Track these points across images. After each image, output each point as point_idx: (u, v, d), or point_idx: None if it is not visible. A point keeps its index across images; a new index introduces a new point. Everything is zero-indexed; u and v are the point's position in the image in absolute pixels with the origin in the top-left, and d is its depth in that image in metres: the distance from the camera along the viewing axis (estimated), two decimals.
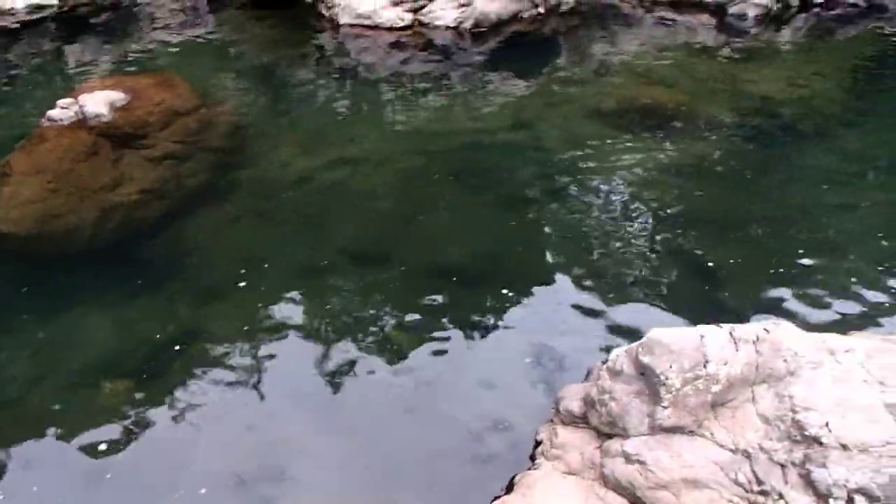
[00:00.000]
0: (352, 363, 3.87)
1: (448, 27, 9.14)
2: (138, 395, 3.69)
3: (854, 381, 2.97)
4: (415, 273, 4.60)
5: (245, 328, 4.09)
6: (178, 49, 8.65)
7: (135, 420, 3.56)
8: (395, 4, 9.11)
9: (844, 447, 2.70)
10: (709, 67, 8.59)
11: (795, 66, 8.94)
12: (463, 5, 9.21)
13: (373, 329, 4.09)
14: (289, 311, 4.25)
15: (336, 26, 9.14)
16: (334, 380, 3.77)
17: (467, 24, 9.17)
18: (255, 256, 4.72)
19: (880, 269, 4.76)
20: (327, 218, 5.21)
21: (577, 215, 5.30)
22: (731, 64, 8.81)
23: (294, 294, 4.37)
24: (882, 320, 4.20)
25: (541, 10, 9.77)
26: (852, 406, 2.84)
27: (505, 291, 4.41)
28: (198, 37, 9.08)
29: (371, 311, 4.25)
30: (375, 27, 9.02)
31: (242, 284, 4.43)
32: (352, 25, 9.07)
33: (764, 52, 9.35)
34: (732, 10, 10.17)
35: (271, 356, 3.92)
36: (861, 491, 2.50)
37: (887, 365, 3.06)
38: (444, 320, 4.15)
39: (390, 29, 9.02)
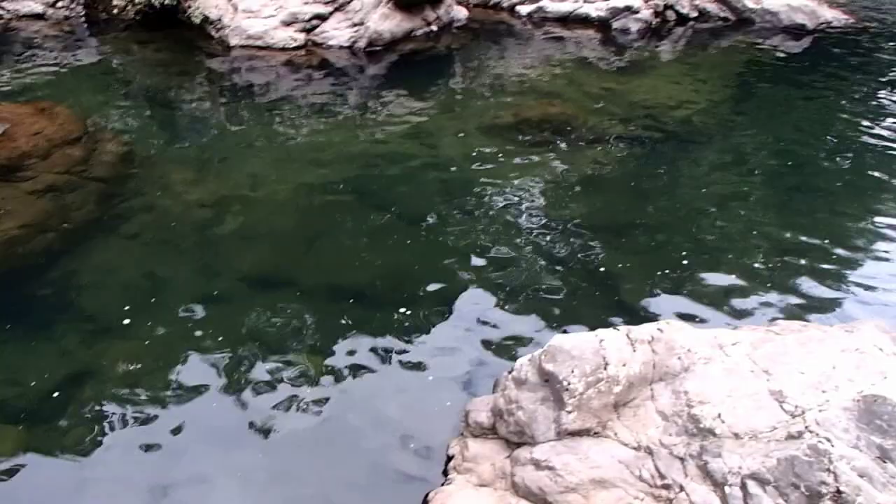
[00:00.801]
0: (256, 391, 3.76)
1: (342, 46, 9.12)
2: (24, 443, 3.46)
3: (742, 372, 3.14)
4: (318, 296, 4.53)
5: (140, 365, 3.91)
6: (58, 75, 8.24)
7: (19, 470, 3.32)
8: (287, 25, 9.02)
9: (737, 436, 2.84)
10: (597, 80, 8.95)
11: (676, 76, 9.45)
12: (356, 25, 9.22)
13: (277, 355, 3.99)
14: (187, 343, 4.09)
15: (227, 48, 8.95)
16: (239, 410, 3.65)
17: (361, 44, 9.18)
18: (148, 289, 4.52)
19: (761, 264, 5.07)
20: (224, 245, 5.07)
21: (477, 229, 5.38)
22: (617, 76, 9.21)
23: (192, 325, 4.21)
24: (764, 312, 4.45)
25: (434, 27, 9.91)
26: (741, 396, 3.00)
27: (410, 309, 4.41)
28: (79, 62, 8.68)
29: (274, 338, 4.15)
30: (268, 48, 8.89)
31: (135, 319, 4.23)
32: (243, 47, 8.91)
33: (647, 63, 9.84)
34: (616, 24, 10.65)
35: (171, 391, 3.76)
36: (753, 476, 2.63)
37: (770, 354, 3.26)
38: (350, 342, 4.10)
39: (283, 49, 8.91)
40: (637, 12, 10.70)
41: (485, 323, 4.31)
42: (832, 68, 9.73)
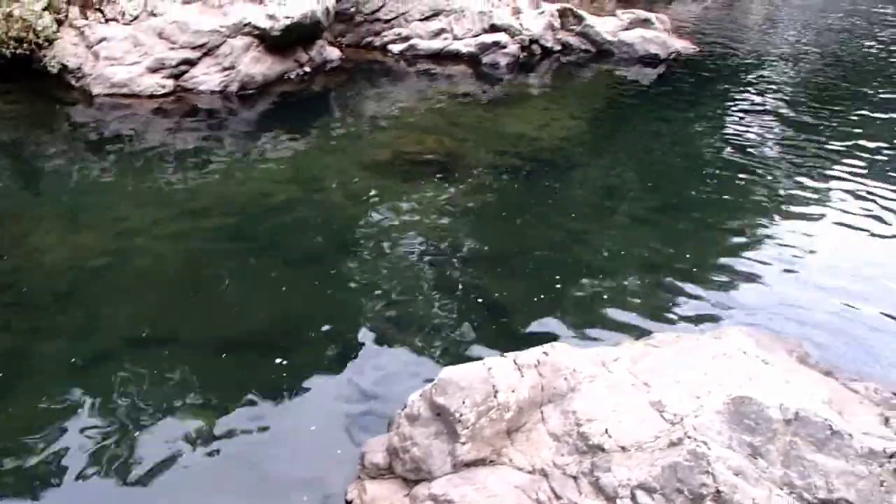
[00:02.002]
0: (139, 454, 3.55)
1: (214, 91, 8.94)
2: None
3: (624, 387, 3.28)
4: (203, 349, 4.36)
5: (9, 444, 3.61)
6: None
7: None
8: (154, 71, 8.75)
9: (623, 449, 2.95)
10: (471, 113, 9.21)
11: (545, 106, 9.89)
12: (227, 69, 9.07)
13: (160, 414, 3.79)
14: (62, 413, 3.81)
15: (90, 98, 8.56)
16: (123, 473, 3.44)
17: (233, 88, 9.03)
18: (15, 357, 4.20)
19: (636, 281, 5.34)
20: (101, 303, 4.79)
21: (363, 267, 5.37)
22: (490, 108, 9.52)
23: (68, 393, 3.94)
24: (642, 326, 4.68)
25: (307, 68, 9.90)
26: (626, 410, 3.13)
27: (300, 356, 4.32)
28: None
29: (157, 396, 3.94)
30: (134, 96, 8.57)
31: (4, 392, 3.92)
32: (107, 95, 8.55)
33: (517, 95, 10.23)
34: (486, 59, 11.03)
35: (54, 465, 3.49)
36: (641, 486, 2.74)
37: (649, 367, 3.42)
38: (238, 395, 3.96)
39: (151, 97, 8.63)
40: (505, 47, 11.13)
41: (377, 361, 4.29)
42: (684, 93, 10.48)
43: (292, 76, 9.73)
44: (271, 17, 9.19)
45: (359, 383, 4.09)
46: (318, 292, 5.01)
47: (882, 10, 18.13)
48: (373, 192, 6.54)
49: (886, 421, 3.24)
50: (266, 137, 7.91)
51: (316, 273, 5.25)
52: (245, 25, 9.13)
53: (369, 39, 11.54)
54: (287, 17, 9.21)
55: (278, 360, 4.21)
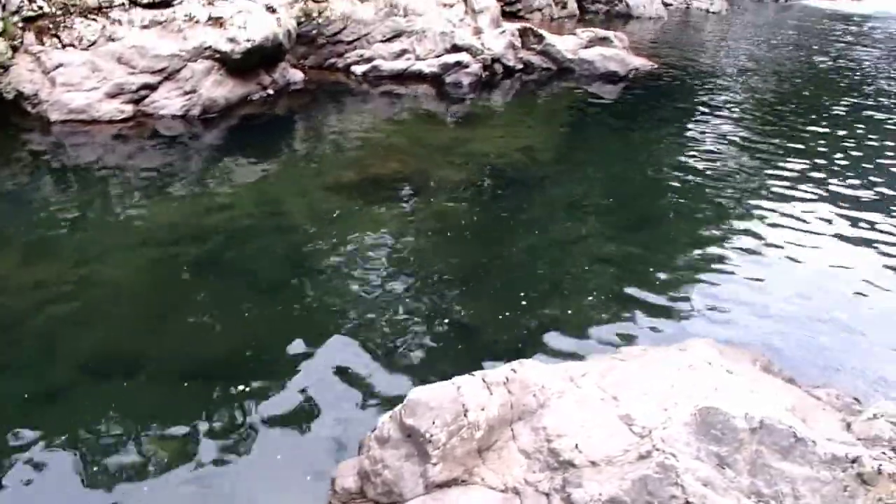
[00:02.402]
0: (108, 487, 3.47)
1: (175, 116, 8.85)
2: None
3: (593, 402, 3.30)
4: (169, 378, 4.28)
5: None
6: None
7: None
8: (113, 97, 8.64)
9: (594, 463, 2.96)
10: (436, 133, 9.26)
11: (510, 124, 9.98)
12: (188, 93, 9.00)
13: (125, 445, 3.71)
14: (22, 451, 3.71)
15: (47, 124, 8.41)
16: None
17: (195, 111, 8.96)
18: None
19: (603, 296, 5.39)
20: (61, 334, 4.68)
21: (330, 289, 5.34)
22: (454, 128, 9.59)
23: (27, 429, 3.83)
24: (610, 340, 4.72)
25: (270, 91, 9.87)
26: (595, 424, 3.15)
27: (268, 381, 4.27)
28: None
29: (123, 428, 3.86)
30: (93, 122, 8.45)
31: None
32: (65, 122, 8.41)
33: (481, 114, 10.32)
34: (449, 79, 11.12)
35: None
36: (612, 500, 2.76)
37: (617, 381, 3.45)
38: (205, 424, 3.90)
39: (111, 122, 8.51)
40: (467, 67, 11.24)
41: (345, 384, 4.25)
42: (644, 108, 10.68)
43: (255, 99, 9.70)
44: (232, 40, 9.16)
45: (327, 408, 4.05)
46: (284, 317, 4.96)
47: (827, 26, 18.71)
48: (338, 214, 6.52)
49: (848, 426, 3.31)
50: (229, 161, 7.85)
51: (281, 297, 5.20)
52: (206, 49, 9.09)
53: (332, 61, 11.56)
54: (248, 41, 9.19)
55: (243, 387, 4.16)
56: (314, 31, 11.42)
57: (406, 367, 4.42)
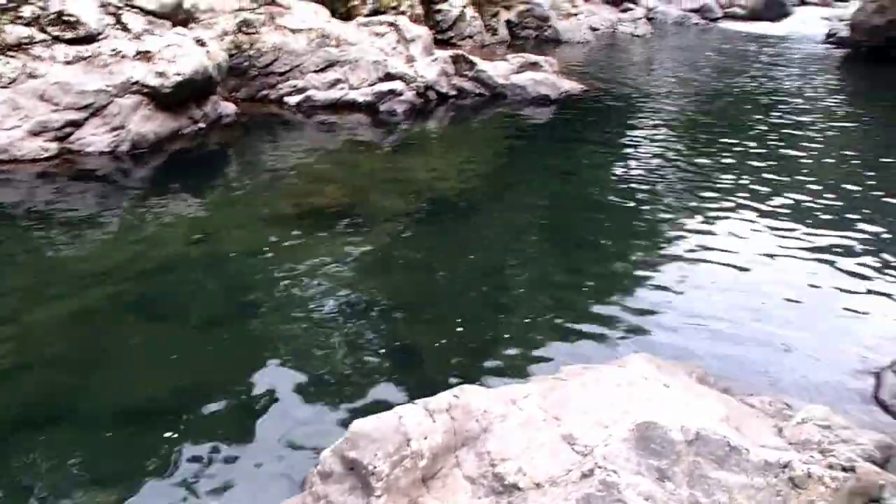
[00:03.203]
0: None
1: (103, 152, 8.63)
2: None
3: (536, 423, 3.33)
4: (100, 424, 4.12)
5: None
6: None
7: None
8: (36, 135, 8.38)
9: (538, 485, 2.98)
10: (372, 162, 9.28)
11: (446, 150, 10.08)
12: (116, 129, 8.80)
13: (52, 499, 3.55)
14: None
15: None
16: None
17: (124, 147, 8.76)
18: None
19: (544, 316, 5.45)
20: None
21: (271, 324, 5.25)
22: (390, 155, 9.62)
23: None
24: (551, 361, 4.77)
25: (202, 124, 9.73)
26: (538, 446, 3.17)
27: (207, 423, 4.16)
28: None
29: (52, 481, 3.69)
30: (14, 161, 8.17)
31: None
32: None
33: (417, 141, 10.40)
34: (383, 107, 11.17)
35: None
36: None
37: (558, 401, 3.49)
38: (144, 468, 3.76)
39: (34, 161, 8.24)
40: (401, 94, 11.32)
41: (286, 421, 4.17)
42: (577, 130, 10.94)
43: (187, 133, 9.54)
44: (161, 74, 9.02)
45: (269, 446, 3.97)
46: (221, 354, 4.86)
47: (746, 48, 19.58)
48: (276, 247, 6.45)
49: (780, 431, 3.43)
50: (161, 197, 7.68)
51: (218, 333, 5.10)
52: (133, 84, 8.92)
53: (265, 93, 11.48)
54: (177, 74, 9.06)
55: (181, 429, 4.04)
56: (246, 63, 11.35)
57: (348, 399, 4.37)
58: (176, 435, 4.00)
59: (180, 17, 10.60)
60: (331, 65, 11.63)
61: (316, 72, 11.59)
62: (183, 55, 9.30)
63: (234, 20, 11.42)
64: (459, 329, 5.17)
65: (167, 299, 5.56)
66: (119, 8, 9.68)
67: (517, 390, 3.64)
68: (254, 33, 11.41)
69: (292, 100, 11.26)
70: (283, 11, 11.98)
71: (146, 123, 8.98)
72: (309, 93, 11.29)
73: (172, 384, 4.51)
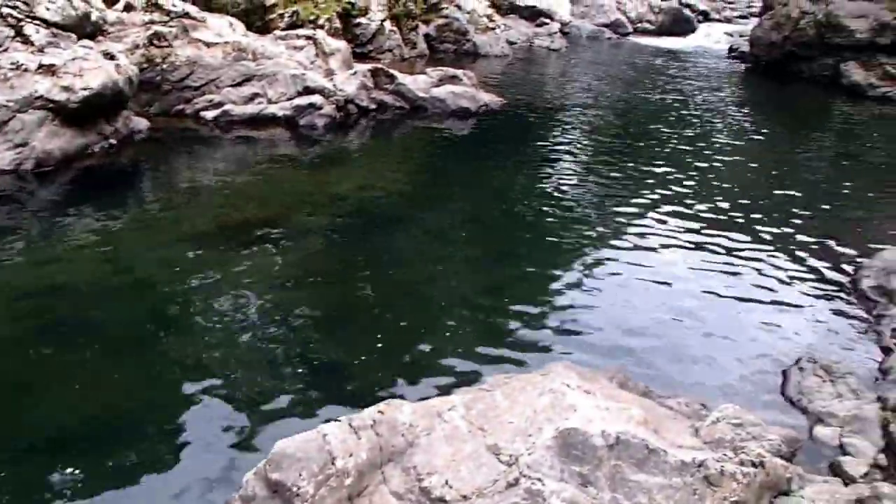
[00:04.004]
0: None
1: (4, 171, 8.20)
2: None
3: (461, 435, 3.34)
4: (14, 455, 3.91)
5: None
6: None
7: None
8: None
9: (465, 497, 2.99)
10: (292, 176, 9.15)
11: (368, 164, 10.04)
12: (19, 146, 8.38)
13: None
14: None
15: None
16: None
17: (28, 165, 8.35)
18: None
19: (469, 328, 5.50)
20: None
21: (190, 345, 5.10)
22: (311, 170, 9.52)
23: None
24: (475, 371, 4.82)
25: (112, 141, 9.38)
26: (464, 458, 3.19)
27: (126, 450, 4.00)
28: None
29: None
30: None
31: None
32: None
33: (339, 155, 10.32)
34: (303, 122, 11.04)
35: None
36: None
37: (483, 411, 3.52)
38: (63, 500, 3.58)
39: None
40: (321, 108, 11.21)
41: (210, 444, 4.06)
42: (497, 142, 11.11)
43: (97, 149, 9.17)
44: (67, 88, 8.65)
45: (191, 471, 3.84)
46: (137, 378, 4.68)
47: (655, 62, 20.36)
48: (193, 265, 6.27)
49: (696, 431, 3.55)
50: (71, 217, 7.36)
51: (134, 357, 4.91)
52: (37, 98, 8.52)
53: (180, 107, 11.17)
54: (85, 89, 8.71)
55: (94, 460, 3.87)
56: (158, 77, 11.01)
57: (270, 419, 4.28)
58: (88, 465, 3.83)
59: (87, 30, 10.21)
60: (248, 79, 11.42)
61: (233, 86, 11.36)
62: (90, 69, 8.95)
63: (145, 33, 11.08)
64: (383, 343, 5.15)
65: (78, 323, 5.32)
66: (19, 20, 9.25)
67: (442, 403, 3.64)
68: (166, 46, 11.09)
69: (209, 114, 10.99)
70: (197, 24, 11.70)
71: (52, 140, 8.59)
72: (226, 107, 11.05)
73: (85, 411, 4.32)
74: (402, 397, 4.10)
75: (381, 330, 5.35)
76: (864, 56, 16.51)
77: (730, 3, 31.95)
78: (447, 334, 5.37)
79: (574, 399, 3.40)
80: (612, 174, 9.62)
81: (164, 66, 11.04)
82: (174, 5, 11.63)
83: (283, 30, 13.94)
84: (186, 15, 11.66)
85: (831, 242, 7.43)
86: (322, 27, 14.81)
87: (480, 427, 3.37)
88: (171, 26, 11.32)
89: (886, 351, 5.36)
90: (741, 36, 22.58)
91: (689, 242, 7.35)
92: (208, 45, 11.52)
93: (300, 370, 4.83)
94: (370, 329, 5.38)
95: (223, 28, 12.10)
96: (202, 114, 11.05)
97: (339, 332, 5.33)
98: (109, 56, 9.47)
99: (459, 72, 13.37)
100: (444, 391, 4.34)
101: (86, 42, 9.75)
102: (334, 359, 4.95)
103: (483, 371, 4.82)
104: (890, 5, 16.19)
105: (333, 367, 4.86)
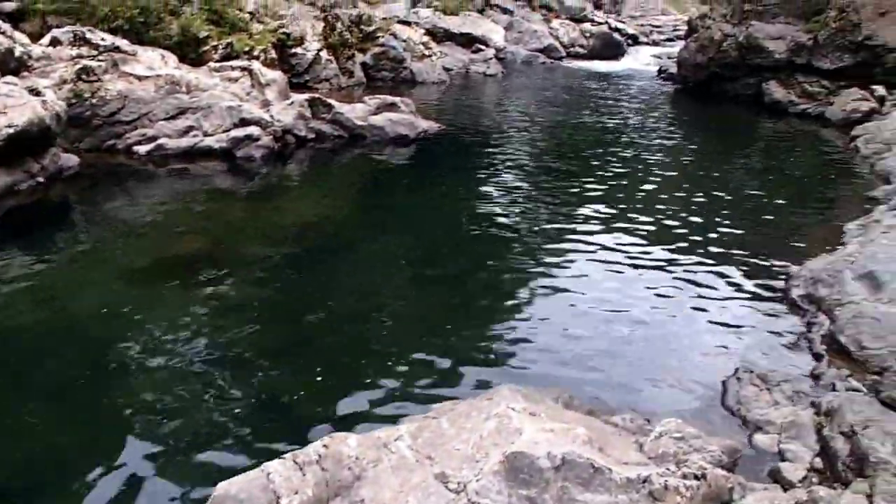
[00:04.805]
0: None
1: None
2: None
3: (409, 465, 3.32)
4: None
5: None
6: None
7: None
8: None
9: None
10: (231, 209, 9.02)
11: (308, 194, 9.98)
12: None
13: None
14: None
15: None
16: None
17: None
18: None
19: (414, 354, 5.47)
20: None
21: (130, 385, 4.93)
22: (250, 202, 9.40)
23: None
24: (421, 399, 4.79)
25: (40, 178, 9.09)
26: (412, 488, 3.16)
27: (63, 498, 3.84)
28: None
29: None
30: None
31: None
32: None
33: (277, 186, 10.23)
34: (240, 154, 10.92)
35: None
36: None
37: (430, 440, 3.50)
38: None
39: None
40: (258, 140, 11.11)
41: (149, 490, 3.92)
42: (437, 168, 11.19)
43: (23, 187, 8.88)
44: None
45: None
46: (73, 423, 4.51)
47: (589, 85, 20.90)
48: (131, 303, 6.09)
49: (640, 447, 3.61)
50: None
51: (70, 401, 4.73)
52: None
53: (111, 142, 10.91)
54: (9, 127, 8.45)
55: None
56: (88, 113, 10.76)
57: (214, 459, 4.17)
58: None
59: (10, 66, 9.94)
60: (182, 112, 11.25)
61: (166, 119, 11.17)
62: (15, 105, 8.69)
63: (74, 67, 10.83)
64: (327, 375, 5.09)
65: (10, 369, 5.09)
66: None
67: (388, 433, 3.62)
68: (95, 81, 10.86)
69: (142, 149, 10.77)
70: (128, 58, 11.50)
71: None
72: (160, 141, 10.84)
73: (20, 459, 4.13)
74: (348, 429, 4.05)
75: (324, 361, 5.29)
76: (782, 75, 17.30)
77: (657, 26, 33.11)
78: (392, 362, 5.34)
79: (519, 422, 3.42)
80: (551, 196, 9.79)
81: (94, 100, 10.80)
82: (103, 39, 11.43)
83: (218, 61, 13.81)
84: (116, 49, 11.45)
85: (762, 255, 7.69)
86: (257, 58, 14.73)
87: (427, 456, 3.35)
88: (100, 60, 11.10)
89: (818, 357, 5.56)
90: (669, 58, 23.39)
91: (628, 261, 7.51)
92: (140, 78, 11.33)
93: (243, 406, 4.72)
94: (313, 361, 5.31)
95: (155, 61, 11.92)
96: (135, 148, 10.83)
97: (282, 365, 5.24)
98: (35, 92, 9.23)
99: (397, 99, 13.46)
100: (391, 421, 4.30)
101: (10, 78, 9.48)
102: (277, 393, 4.86)
103: (429, 398, 4.80)
104: (805, 27, 17.03)
105: (277, 402, 4.77)
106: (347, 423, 4.44)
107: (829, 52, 16.51)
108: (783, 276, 7.09)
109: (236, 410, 4.69)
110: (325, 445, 3.30)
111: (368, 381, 5.08)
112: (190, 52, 13.85)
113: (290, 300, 6.37)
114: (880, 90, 15.75)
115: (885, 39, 15.98)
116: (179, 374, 5.09)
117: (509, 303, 6.51)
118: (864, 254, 6.46)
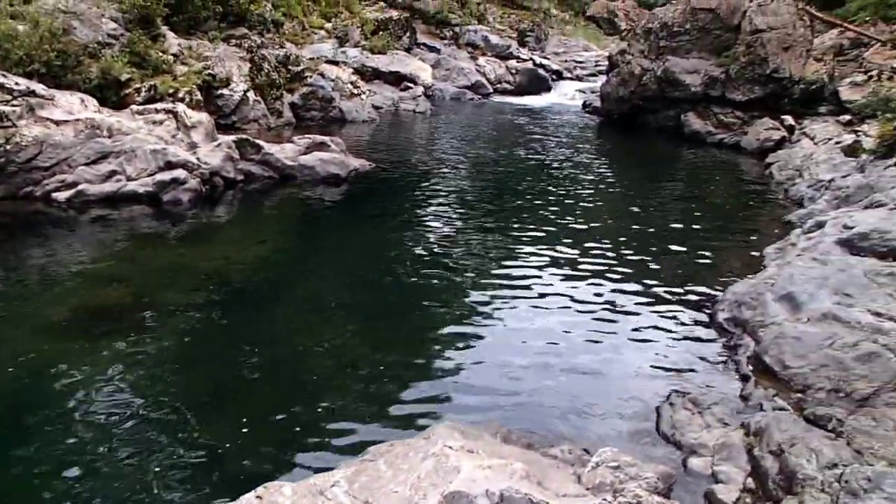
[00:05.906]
0: None
1: None
2: None
3: None
4: None
5: None
6: None
7: None
8: None
9: None
10: (158, 255, 8.75)
11: (237, 236, 9.79)
12: None
13: None
14: None
15: None
16: None
17: None
18: None
19: (347, 397, 5.38)
20: None
21: (49, 444, 4.68)
22: (178, 247, 9.16)
23: None
24: (358, 441, 4.71)
25: None
26: None
27: None
28: None
29: None
30: None
31: None
32: None
33: (206, 229, 10.01)
34: (166, 197, 10.65)
35: None
36: None
37: (366, 483, 3.43)
38: None
39: None
40: (185, 183, 10.86)
41: None
42: (369, 206, 11.17)
43: None
44: None
45: None
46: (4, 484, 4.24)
47: (517, 119, 21.36)
48: (51, 358, 5.81)
49: (579, 478, 3.62)
50: None
51: None
52: None
53: (28, 189, 10.48)
54: None
55: None
56: (2, 159, 10.32)
57: None
58: None
59: None
60: (104, 156, 10.92)
61: (87, 164, 10.82)
62: None
63: None
64: (258, 423, 4.96)
65: None
66: None
67: (324, 479, 3.53)
68: (10, 126, 10.45)
69: (61, 195, 10.38)
70: (45, 102, 11.14)
71: None
72: (81, 187, 10.48)
73: None
74: (282, 477, 3.93)
75: (255, 409, 5.15)
76: (699, 107, 18.11)
77: (580, 62, 34.18)
78: (326, 406, 5.24)
79: (457, 460, 3.39)
80: (483, 232, 9.88)
81: (9, 147, 10.38)
82: (17, 84, 11.03)
83: (141, 104, 13.51)
84: (32, 93, 11.08)
85: (689, 282, 7.93)
86: (182, 100, 14.47)
87: (365, 500, 3.28)
88: (14, 105, 10.71)
89: (745, 378, 5.73)
90: (592, 92, 24.14)
91: (559, 293, 7.62)
92: (58, 123, 10.98)
93: (172, 459, 4.54)
94: (243, 410, 5.16)
95: (74, 105, 11.59)
96: (54, 195, 10.43)
97: (210, 416, 5.07)
98: None
99: (327, 138, 13.43)
100: (327, 466, 4.20)
101: None
102: (208, 443, 4.69)
103: (366, 440, 4.72)
104: (717, 62, 17.89)
105: (207, 453, 4.61)
106: (282, 472, 4.32)
107: (740, 85, 17.39)
108: (709, 301, 7.32)
109: (166, 463, 4.50)
110: (258, 496, 3.20)
111: (302, 427, 4.97)
112: (111, 95, 13.48)
113: (218, 348, 6.20)
114: (789, 120, 16.67)
115: (790, 72, 16.95)
116: (101, 431, 4.87)
117: (443, 340, 6.50)
118: (782, 276, 6.74)
